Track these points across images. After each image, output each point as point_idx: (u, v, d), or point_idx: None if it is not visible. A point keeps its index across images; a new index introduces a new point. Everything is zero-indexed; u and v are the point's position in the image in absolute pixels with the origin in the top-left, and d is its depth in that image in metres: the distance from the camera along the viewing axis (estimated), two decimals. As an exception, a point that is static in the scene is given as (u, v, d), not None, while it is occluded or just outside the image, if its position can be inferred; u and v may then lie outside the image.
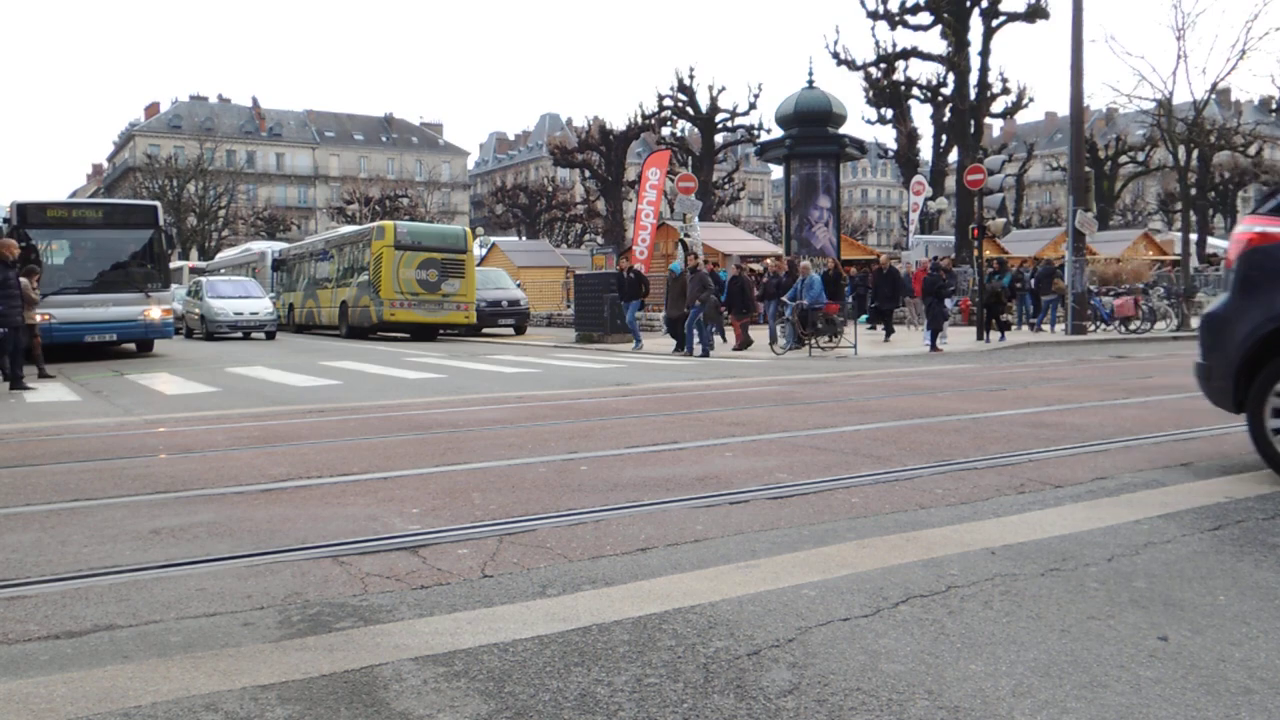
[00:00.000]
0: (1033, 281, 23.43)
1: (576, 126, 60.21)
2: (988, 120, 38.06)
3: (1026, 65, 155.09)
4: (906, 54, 35.89)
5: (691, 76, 44.24)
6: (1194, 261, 36.79)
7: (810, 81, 23.59)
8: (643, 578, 3.52)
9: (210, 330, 25.02)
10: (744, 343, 18.26)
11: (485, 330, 26.62)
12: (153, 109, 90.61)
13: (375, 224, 25.76)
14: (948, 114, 35.99)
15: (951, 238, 36.13)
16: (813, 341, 17.51)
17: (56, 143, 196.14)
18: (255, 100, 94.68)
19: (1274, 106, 52.53)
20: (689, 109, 44.37)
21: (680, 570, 3.62)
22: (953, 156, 36.83)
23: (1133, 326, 21.39)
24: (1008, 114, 37.39)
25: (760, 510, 4.59)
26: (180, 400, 10.65)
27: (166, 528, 4.40)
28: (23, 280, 13.67)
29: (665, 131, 46.14)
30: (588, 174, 49.16)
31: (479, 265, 29.73)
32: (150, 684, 2.60)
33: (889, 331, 20.70)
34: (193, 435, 7.68)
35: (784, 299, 18.40)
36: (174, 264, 33.47)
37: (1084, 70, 21.82)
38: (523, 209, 68.22)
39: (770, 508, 4.64)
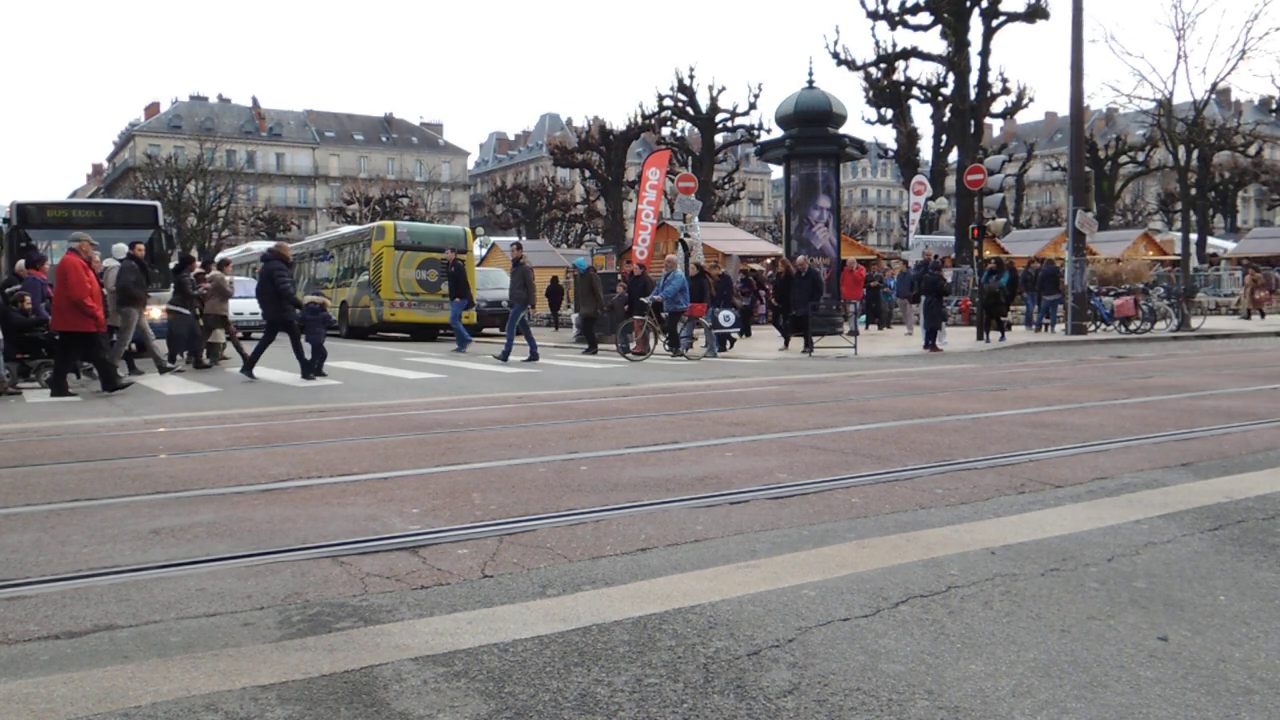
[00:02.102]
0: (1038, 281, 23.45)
1: (576, 126, 60.21)
2: (988, 120, 38.07)
3: (1026, 65, 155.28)
4: (906, 54, 35.90)
5: (691, 76, 44.26)
6: (1194, 261, 36.78)
7: (810, 81, 23.52)
8: (643, 578, 3.52)
9: None
10: (644, 348, 17.22)
11: (485, 330, 26.63)
12: (153, 109, 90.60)
13: (375, 224, 25.77)
14: (948, 114, 35.99)
15: (951, 238, 36.11)
16: (677, 347, 16.18)
17: (56, 143, 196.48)
18: (255, 100, 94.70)
19: (1274, 106, 52.57)
20: (689, 109, 44.37)
21: (680, 570, 3.62)
22: (953, 156, 36.83)
23: (1133, 326, 21.39)
24: (1008, 114, 37.40)
25: (760, 510, 4.59)
26: (180, 400, 10.64)
27: (166, 528, 4.40)
28: (216, 273, 15.57)
29: (665, 131, 46.14)
30: (588, 174, 49.15)
31: (479, 265, 29.73)
32: (150, 684, 2.60)
33: (808, 343, 17.74)
34: (193, 435, 7.68)
35: (643, 298, 16.60)
36: (174, 264, 33.35)
37: (1084, 70, 21.84)
38: (523, 209, 68.24)
39: (770, 508, 4.64)
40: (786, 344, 18.82)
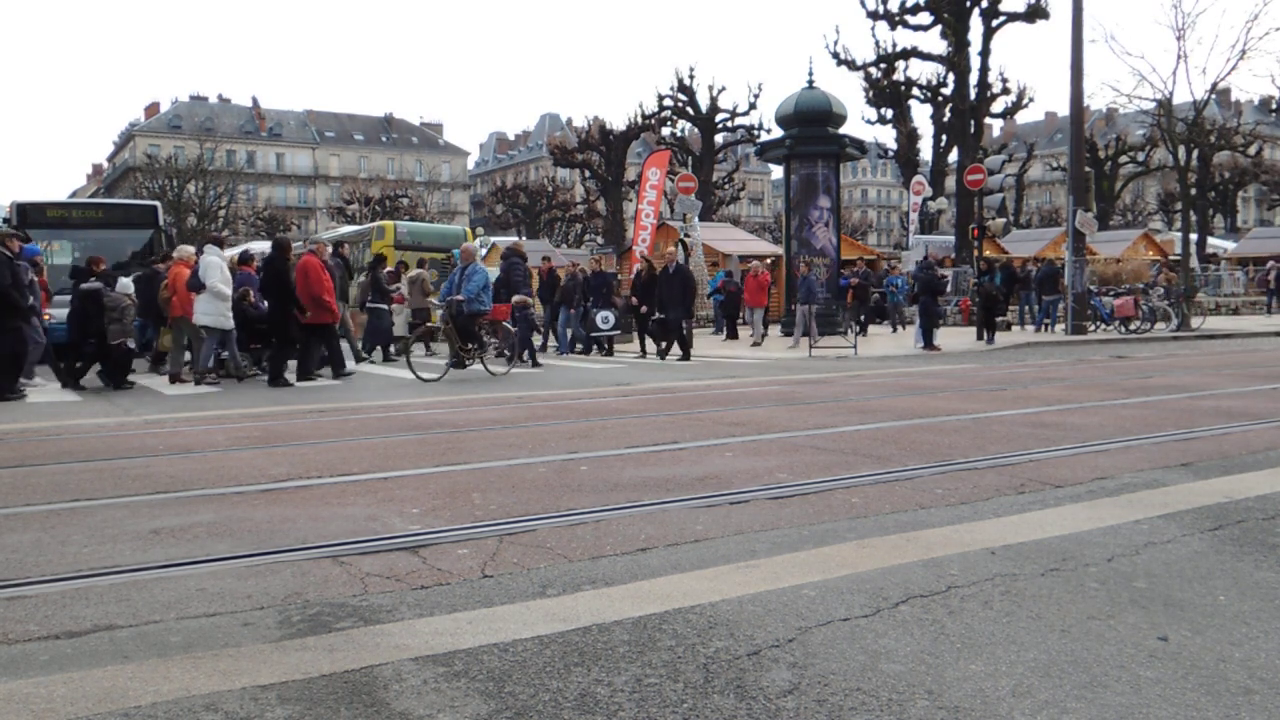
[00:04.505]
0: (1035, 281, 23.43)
1: (576, 126, 60.22)
2: (988, 120, 38.02)
3: (1026, 65, 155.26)
4: (906, 54, 35.87)
5: (691, 76, 44.24)
6: (1193, 261, 36.73)
7: (810, 81, 23.55)
8: (643, 578, 3.52)
9: None
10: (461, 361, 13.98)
11: (485, 330, 26.62)
12: (153, 109, 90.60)
13: (375, 224, 25.76)
14: (948, 114, 35.96)
15: (951, 238, 36.11)
16: (478, 357, 13.21)
17: (56, 143, 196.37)
18: (255, 100, 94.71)
19: (1274, 106, 52.59)
20: (689, 109, 44.36)
21: (680, 570, 3.62)
22: (953, 156, 36.80)
23: (1133, 327, 21.39)
24: (1008, 114, 37.37)
25: (760, 510, 4.59)
26: (180, 400, 10.65)
27: (166, 528, 4.40)
28: (419, 271, 16.93)
29: (665, 131, 46.12)
30: (588, 174, 49.17)
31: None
32: (150, 684, 2.60)
33: (685, 350, 16.02)
34: (193, 435, 7.68)
35: (454, 296, 13.10)
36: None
37: (1084, 70, 21.81)
38: (523, 209, 68.26)
39: (770, 508, 4.64)
40: (643, 351, 17.07)
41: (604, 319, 17.47)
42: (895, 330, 23.28)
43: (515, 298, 14.68)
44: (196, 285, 11.95)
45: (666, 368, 14.60)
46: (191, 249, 13.02)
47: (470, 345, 13.09)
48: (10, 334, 10.79)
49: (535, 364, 14.92)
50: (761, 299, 20.14)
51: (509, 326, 14.09)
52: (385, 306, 16.16)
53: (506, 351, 14.21)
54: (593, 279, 18.10)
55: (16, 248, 11.19)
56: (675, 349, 16.33)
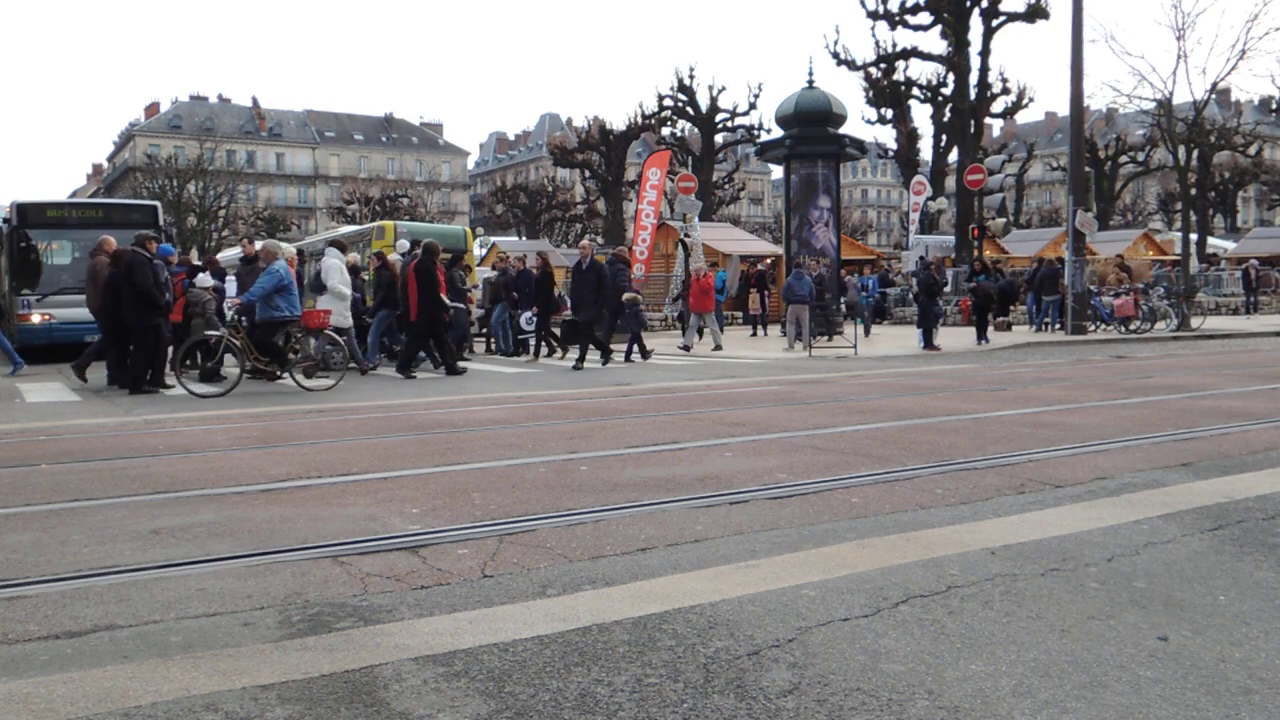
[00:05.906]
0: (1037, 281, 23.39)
1: (576, 126, 60.19)
2: (988, 120, 38.00)
3: (1026, 65, 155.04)
4: (906, 54, 35.86)
5: (691, 76, 44.21)
6: (1194, 261, 36.74)
7: (810, 81, 23.55)
8: (643, 578, 3.53)
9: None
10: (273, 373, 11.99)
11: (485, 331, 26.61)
12: (153, 109, 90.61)
13: (375, 224, 25.76)
14: (948, 114, 35.95)
15: (951, 238, 36.10)
16: (290, 369, 11.53)
17: (56, 143, 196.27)
18: (255, 100, 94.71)
19: (1274, 106, 52.55)
20: (689, 109, 44.34)
21: (680, 570, 3.62)
22: (953, 156, 36.79)
23: (1133, 326, 21.39)
24: (1008, 114, 37.38)
25: (760, 510, 4.59)
26: (180, 400, 10.64)
27: (166, 528, 4.40)
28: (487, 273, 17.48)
29: (665, 131, 46.11)
30: (588, 174, 49.13)
31: (479, 265, 29.73)
32: (150, 684, 2.60)
33: (581, 355, 14.25)
34: (193, 435, 7.68)
35: (235, 299, 11.75)
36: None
37: (1084, 70, 21.79)
38: (523, 209, 68.22)
39: (770, 508, 4.64)
40: (536, 355, 16.33)
41: (528, 319, 16.85)
42: (866, 334, 22.52)
43: (625, 296, 15.64)
44: (319, 287, 12.40)
45: (667, 367, 14.59)
46: (291, 248, 13.93)
47: (265, 358, 11.58)
48: (153, 330, 11.34)
49: (645, 356, 15.58)
50: (706, 304, 18.48)
51: (331, 334, 12.19)
52: (462, 306, 16.18)
53: (332, 360, 12.43)
54: (518, 278, 17.11)
55: (154, 249, 11.64)
56: (603, 354, 14.94)
